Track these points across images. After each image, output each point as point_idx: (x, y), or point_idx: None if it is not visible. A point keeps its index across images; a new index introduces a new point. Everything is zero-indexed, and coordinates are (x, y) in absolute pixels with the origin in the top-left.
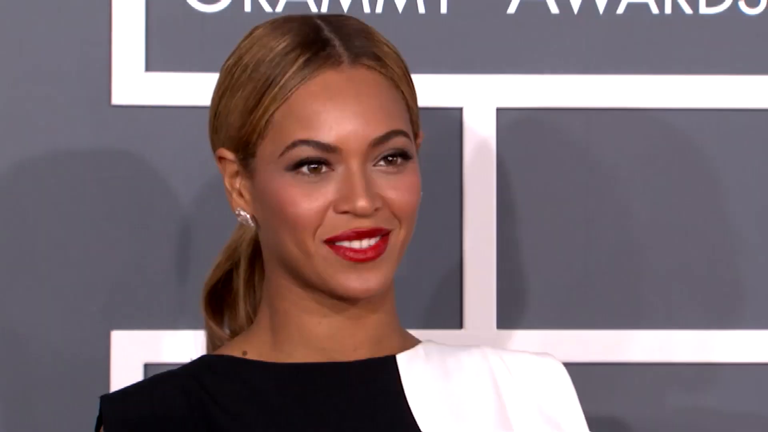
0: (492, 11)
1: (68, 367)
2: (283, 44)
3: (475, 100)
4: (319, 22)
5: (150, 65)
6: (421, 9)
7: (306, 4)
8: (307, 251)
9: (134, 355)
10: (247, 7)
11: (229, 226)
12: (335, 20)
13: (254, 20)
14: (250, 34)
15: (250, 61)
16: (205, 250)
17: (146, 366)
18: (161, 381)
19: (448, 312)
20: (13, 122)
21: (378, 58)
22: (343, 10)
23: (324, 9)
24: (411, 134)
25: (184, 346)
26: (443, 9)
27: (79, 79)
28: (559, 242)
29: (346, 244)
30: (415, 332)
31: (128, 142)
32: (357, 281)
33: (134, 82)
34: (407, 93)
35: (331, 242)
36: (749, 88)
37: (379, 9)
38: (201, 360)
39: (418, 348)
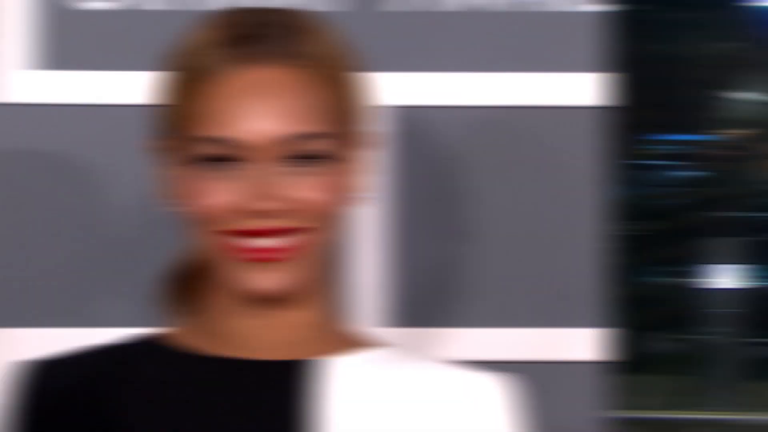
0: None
1: None
2: (206, 36)
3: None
4: (244, 15)
5: (39, 63)
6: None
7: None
8: (204, 243)
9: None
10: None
11: (143, 221)
12: (262, 14)
13: (151, 16)
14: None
15: (177, 51)
16: (124, 246)
17: None
18: (86, 355)
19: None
20: None
21: (299, 56)
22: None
23: None
24: (337, 135)
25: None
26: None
27: None
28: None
29: (241, 242)
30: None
31: (17, 141)
32: (253, 281)
33: (24, 79)
34: (337, 94)
35: (226, 235)
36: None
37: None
38: (130, 338)
39: (357, 355)
